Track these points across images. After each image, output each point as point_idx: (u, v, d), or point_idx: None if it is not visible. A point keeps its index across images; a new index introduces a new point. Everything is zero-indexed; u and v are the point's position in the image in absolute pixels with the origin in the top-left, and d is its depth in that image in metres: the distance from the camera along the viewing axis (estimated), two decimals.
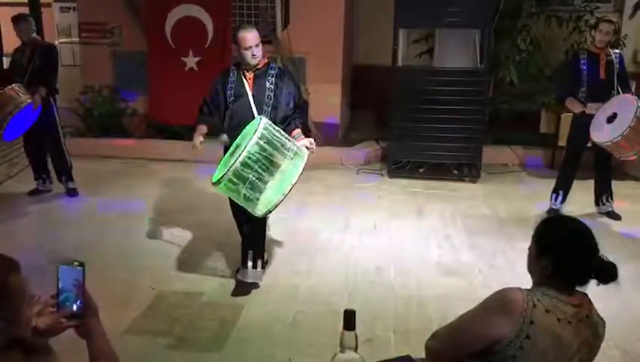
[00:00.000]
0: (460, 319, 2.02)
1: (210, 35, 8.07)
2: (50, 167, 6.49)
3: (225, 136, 4.19)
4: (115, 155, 7.94)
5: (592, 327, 1.93)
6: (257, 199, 3.50)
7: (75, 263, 1.58)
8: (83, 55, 8.99)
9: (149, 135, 8.44)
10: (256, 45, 4.09)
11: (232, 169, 3.41)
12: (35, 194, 6.43)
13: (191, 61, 8.12)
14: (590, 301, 1.98)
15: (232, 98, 4.19)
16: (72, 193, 6.43)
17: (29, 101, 5.67)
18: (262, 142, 3.46)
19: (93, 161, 7.56)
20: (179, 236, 5.32)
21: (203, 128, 4.23)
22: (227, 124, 4.22)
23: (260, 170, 3.45)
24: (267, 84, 4.16)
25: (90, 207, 6.13)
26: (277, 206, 3.55)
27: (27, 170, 6.75)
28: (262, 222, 4.23)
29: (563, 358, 1.88)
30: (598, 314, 1.99)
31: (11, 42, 6.54)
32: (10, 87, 5.65)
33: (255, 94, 4.15)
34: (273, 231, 5.29)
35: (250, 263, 4.30)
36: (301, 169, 3.56)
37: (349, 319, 1.60)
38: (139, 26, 8.47)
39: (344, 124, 8.65)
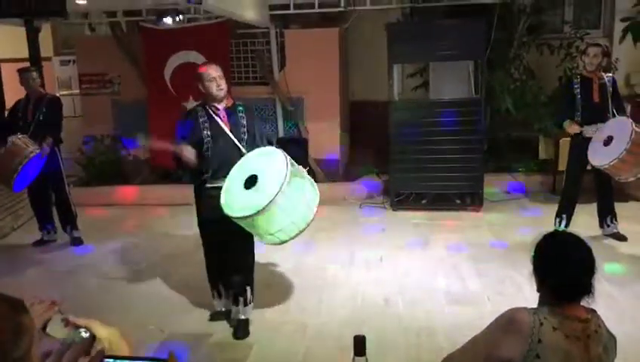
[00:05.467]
0: (469, 343, 2.02)
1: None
2: (55, 216, 6.53)
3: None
4: (118, 203, 7.99)
5: (602, 343, 1.92)
6: (278, 231, 3.53)
7: (84, 330, 1.56)
8: (84, 105, 9.15)
9: (151, 181, 8.49)
10: (220, 77, 4.11)
11: (276, 199, 3.40)
12: (40, 245, 6.45)
13: (191, 106, 8.21)
14: (599, 316, 1.97)
15: (209, 138, 4.08)
16: (77, 242, 6.45)
17: (37, 151, 5.72)
18: (292, 172, 3.50)
19: (96, 209, 7.61)
20: (184, 279, 5.31)
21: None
22: (207, 165, 4.09)
23: (288, 201, 3.47)
24: (240, 120, 4.17)
25: (96, 256, 6.13)
26: (299, 234, 3.66)
27: (31, 221, 6.79)
28: (253, 253, 4.28)
29: None
30: (608, 330, 1.99)
31: (13, 98, 6.64)
32: (16, 137, 5.71)
33: (232, 131, 4.11)
34: (279, 268, 5.31)
35: (248, 299, 4.27)
36: (318, 198, 3.69)
37: (360, 345, 1.60)
38: (138, 75, 8.62)
39: (344, 159, 8.72)
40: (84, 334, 1.49)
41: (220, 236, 4.20)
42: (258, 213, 3.39)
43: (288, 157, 3.56)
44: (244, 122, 4.18)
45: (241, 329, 4.22)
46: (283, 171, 3.43)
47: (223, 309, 4.47)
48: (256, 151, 3.85)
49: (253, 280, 4.33)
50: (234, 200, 3.63)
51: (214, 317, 4.47)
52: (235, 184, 3.68)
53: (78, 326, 1.54)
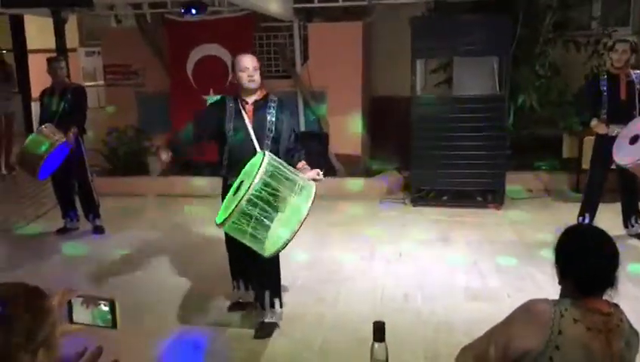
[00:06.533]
0: (488, 334, 2.00)
1: (231, 73, 8.18)
2: (78, 205, 6.61)
3: None
4: (140, 193, 8.06)
5: (624, 337, 1.89)
6: (265, 238, 3.20)
7: (103, 302, 1.59)
8: (108, 96, 9.23)
9: (172, 173, 8.55)
10: (254, 68, 3.97)
11: (237, 209, 3.11)
12: (63, 233, 6.54)
13: (211, 99, 8.23)
14: (622, 311, 1.94)
15: (231, 131, 3.96)
16: (99, 230, 6.54)
17: (63, 140, 5.80)
18: (267, 178, 3.17)
19: (118, 198, 7.68)
20: (204, 270, 5.35)
21: (166, 149, 4.02)
22: (226, 160, 4.01)
23: (266, 208, 3.14)
24: (268, 116, 3.98)
25: (117, 244, 6.19)
26: (286, 245, 3.22)
27: (55, 209, 6.88)
28: (275, 259, 3.90)
29: None
30: (630, 325, 1.95)
31: (39, 88, 6.74)
32: (43, 126, 5.81)
33: (255, 127, 3.95)
34: (298, 260, 5.31)
35: (267, 304, 4.10)
36: (310, 203, 3.25)
37: (379, 331, 1.60)
38: (162, 67, 8.68)
39: (365, 154, 8.70)
40: (105, 307, 1.53)
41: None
42: (224, 222, 3.18)
43: (269, 161, 3.26)
44: (273, 118, 3.99)
45: (258, 331, 4.11)
46: (254, 177, 3.15)
47: (241, 301, 4.47)
48: (255, 157, 3.56)
49: (274, 286, 4.13)
50: (224, 207, 3.47)
51: (233, 307, 4.49)
52: (231, 191, 3.48)
53: (96, 302, 1.56)
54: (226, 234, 4.10)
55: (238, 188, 3.34)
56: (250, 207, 3.12)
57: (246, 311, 4.41)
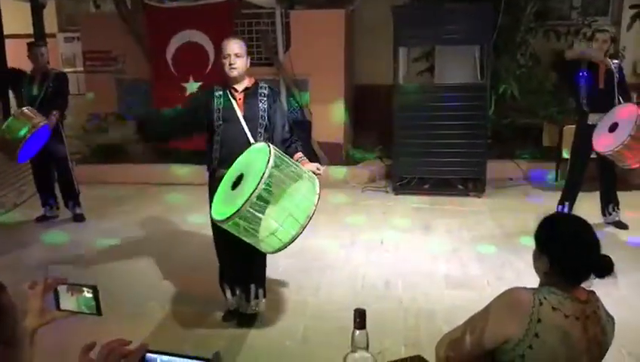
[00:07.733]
0: (468, 321, 2.02)
1: (212, 60, 8.13)
2: (58, 193, 6.54)
3: None
4: (121, 181, 8.00)
5: (600, 324, 1.93)
6: (270, 234, 3.00)
7: (86, 289, 1.59)
8: (88, 83, 9.11)
9: (153, 160, 8.49)
10: (237, 55, 3.72)
11: (246, 205, 2.88)
12: (42, 221, 6.47)
13: (191, 86, 8.17)
14: (598, 298, 1.97)
15: (220, 122, 3.76)
16: (78, 219, 6.48)
17: (45, 122, 5.72)
18: (275, 171, 2.97)
19: (98, 186, 7.62)
20: (185, 258, 5.34)
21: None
22: (217, 152, 3.80)
23: (271, 201, 2.96)
24: (259, 104, 3.80)
25: (98, 232, 6.15)
26: (294, 240, 3.03)
27: (34, 198, 6.81)
28: (264, 254, 3.76)
29: (573, 355, 1.87)
30: (606, 311, 1.99)
31: None
32: (24, 108, 5.72)
33: (247, 116, 3.77)
34: None
35: (252, 295, 4.05)
36: (317, 197, 3.07)
37: (360, 318, 1.60)
38: (142, 53, 8.58)
39: (348, 143, 8.70)
40: (88, 294, 1.54)
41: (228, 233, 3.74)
42: (228, 218, 2.97)
43: (274, 155, 3.05)
44: (265, 106, 3.81)
45: (241, 321, 4.08)
46: (260, 173, 2.95)
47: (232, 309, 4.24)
48: (251, 147, 3.41)
49: (259, 278, 4.07)
50: (221, 201, 3.26)
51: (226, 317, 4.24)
52: (226, 184, 3.28)
53: (80, 290, 1.56)
54: (217, 239, 3.95)
55: (236, 182, 3.13)
56: (259, 203, 2.92)
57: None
